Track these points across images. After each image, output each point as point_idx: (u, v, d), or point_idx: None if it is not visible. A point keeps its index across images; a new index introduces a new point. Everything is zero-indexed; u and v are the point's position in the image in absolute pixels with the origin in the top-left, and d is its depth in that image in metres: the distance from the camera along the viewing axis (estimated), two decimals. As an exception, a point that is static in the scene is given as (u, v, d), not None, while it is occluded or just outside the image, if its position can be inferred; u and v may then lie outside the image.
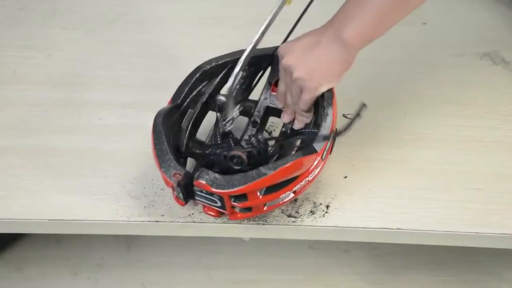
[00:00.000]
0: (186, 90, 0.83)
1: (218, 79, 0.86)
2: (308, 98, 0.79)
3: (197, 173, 0.72)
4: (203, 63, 0.85)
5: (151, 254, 1.25)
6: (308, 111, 0.82)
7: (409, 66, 1.06)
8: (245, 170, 0.73)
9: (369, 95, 0.99)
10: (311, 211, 0.83)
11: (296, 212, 0.83)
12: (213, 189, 0.71)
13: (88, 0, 1.18)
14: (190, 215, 0.82)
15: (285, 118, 0.85)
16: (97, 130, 0.94)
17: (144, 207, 0.83)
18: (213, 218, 0.81)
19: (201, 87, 0.85)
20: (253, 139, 0.78)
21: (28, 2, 1.16)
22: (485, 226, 0.83)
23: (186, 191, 0.74)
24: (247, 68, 0.84)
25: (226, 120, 0.84)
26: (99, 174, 0.87)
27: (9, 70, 1.03)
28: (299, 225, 0.82)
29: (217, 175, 0.72)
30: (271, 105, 0.87)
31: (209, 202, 0.76)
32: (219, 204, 0.75)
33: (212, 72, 0.85)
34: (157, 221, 0.82)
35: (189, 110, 0.84)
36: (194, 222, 0.82)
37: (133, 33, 1.12)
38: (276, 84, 0.86)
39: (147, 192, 0.85)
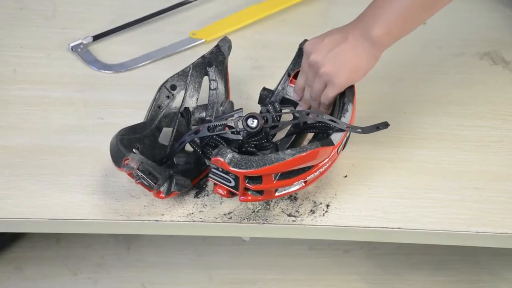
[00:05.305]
0: (150, 109, 0.86)
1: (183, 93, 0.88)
2: (332, 94, 0.79)
3: (216, 150, 0.73)
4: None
5: (151, 254, 1.25)
6: (328, 107, 0.82)
7: (409, 66, 1.06)
8: (259, 135, 0.77)
9: (369, 95, 0.99)
10: (311, 211, 0.83)
11: (296, 211, 0.83)
12: (231, 168, 0.72)
13: (88, 0, 1.17)
14: (190, 214, 0.82)
15: None
16: (97, 129, 0.93)
17: (144, 206, 0.83)
18: (213, 217, 0.82)
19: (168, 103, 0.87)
20: (269, 106, 0.80)
21: (28, 2, 1.16)
22: (485, 226, 0.83)
23: (152, 176, 0.74)
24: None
25: None
26: (99, 173, 0.87)
27: (9, 70, 1.03)
28: (299, 225, 0.82)
29: (235, 154, 0.72)
30: (287, 96, 0.88)
31: (222, 181, 0.76)
32: (232, 184, 0.75)
33: (173, 85, 0.87)
34: (157, 221, 0.82)
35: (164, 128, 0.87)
36: (194, 221, 0.82)
37: (133, 33, 1.12)
38: (295, 76, 0.86)
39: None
